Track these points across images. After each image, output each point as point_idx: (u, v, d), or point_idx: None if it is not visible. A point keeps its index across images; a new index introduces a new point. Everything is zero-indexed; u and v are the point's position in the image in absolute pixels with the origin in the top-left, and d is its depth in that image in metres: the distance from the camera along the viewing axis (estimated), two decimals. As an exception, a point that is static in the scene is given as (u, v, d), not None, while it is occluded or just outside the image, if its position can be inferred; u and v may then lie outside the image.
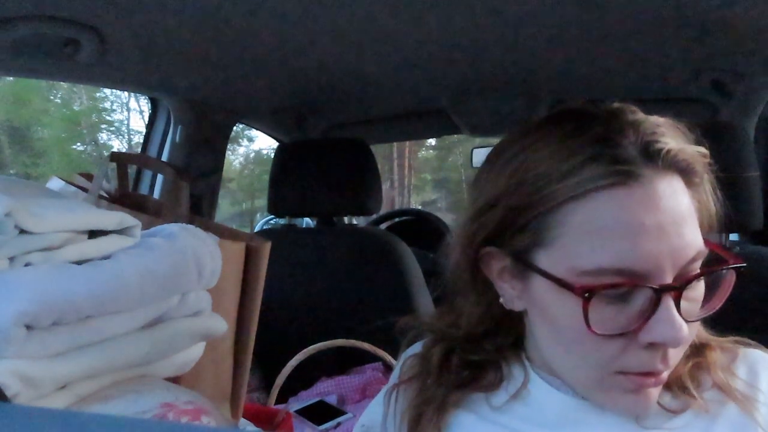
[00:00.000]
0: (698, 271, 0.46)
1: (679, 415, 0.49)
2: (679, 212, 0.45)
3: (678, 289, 0.44)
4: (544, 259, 0.48)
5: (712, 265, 0.47)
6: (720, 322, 0.53)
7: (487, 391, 0.56)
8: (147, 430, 0.23)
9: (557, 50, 1.21)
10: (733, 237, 1.23)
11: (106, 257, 0.51)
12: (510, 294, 0.54)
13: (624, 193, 0.45)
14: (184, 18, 0.97)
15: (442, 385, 0.57)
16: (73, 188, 0.78)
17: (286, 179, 1.44)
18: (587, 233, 0.46)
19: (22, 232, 0.45)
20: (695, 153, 0.47)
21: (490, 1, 0.96)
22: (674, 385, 0.51)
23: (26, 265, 0.46)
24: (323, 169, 1.41)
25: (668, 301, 0.44)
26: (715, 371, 0.51)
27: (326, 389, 1.28)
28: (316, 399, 1.24)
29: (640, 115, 0.48)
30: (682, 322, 0.44)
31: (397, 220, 2.60)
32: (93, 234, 0.51)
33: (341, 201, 1.41)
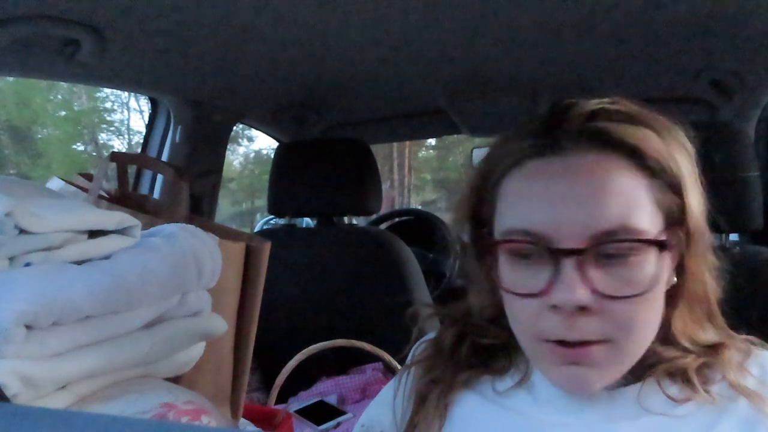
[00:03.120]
0: (617, 246, 0.47)
1: (683, 404, 0.49)
2: (599, 186, 0.47)
3: (579, 253, 0.46)
4: (495, 229, 0.53)
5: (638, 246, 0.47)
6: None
7: (495, 376, 0.57)
8: (147, 430, 0.23)
9: (557, 50, 1.21)
10: (733, 237, 1.22)
11: (106, 257, 0.51)
12: None
13: (540, 162, 0.49)
14: (184, 18, 0.97)
15: (451, 367, 0.58)
16: (73, 188, 0.78)
17: (286, 179, 1.44)
18: (510, 199, 0.51)
19: (22, 232, 0.45)
20: (642, 138, 0.48)
21: (490, 2, 0.96)
22: (681, 378, 0.51)
23: (26, 265, 0.46)
24: (323, 169, 1.41)
25: (568, 264, 0.46)
26: (727, 369, 0.51)
27: (326, 389, 1.28)
28: (316, 399, 1.24)
29: (596, 102, 0.51)
30: (578, 286, 0.45)
31: (397, 220, 2.59)
32: (93, 234, 0.51)
33: (341, 201, 1.41)
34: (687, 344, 0.51)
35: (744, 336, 0.54)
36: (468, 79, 1.43)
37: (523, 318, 0.50)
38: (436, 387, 0.58)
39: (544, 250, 0.47)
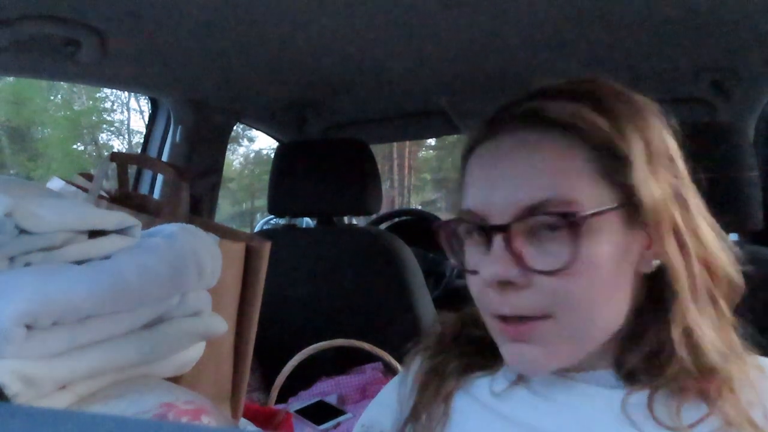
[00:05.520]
0: (542, 219, 0.47)
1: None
2: (524, 162, 0.48)
3: (503, 228, 0.47)
4: None
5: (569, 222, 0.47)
6: None
7: (489, 374, 0.57)
8: (147, 430, 0.23)
9: (557, 50, 1.21)
10: (733, 237, 1.22)
11: (106, 257, 0.51)
12: None
13: (483, 147, 0.52)
14: (184, 18, 0.97)
15: (449, 356, 0.59)
16: (73, 188, 0.78)
17: (286, 179, 1.44)
18: (465, 184, 0.54)
19: (22, 232, 0.45)
20: (577, 113, 0.48)
21: (490, 1, 0.96)
22: (672, 400, 0.47)
23: (26, 265, 0.46)
24: (323, 169, 1.41)
25: (497, 240, 0.48)
26: (728, 402, 0.46)
27: (326, 389, 1.28)
28: (316, 399, 1.24)
29: (542, 83, 0.52)
30: (502, 260, 0.47)
31: (397, 220, 2.59)
32: (93, 234, 0.51)
33: (341, 201, 1.41)
34: (678, 341, 0.48)
35: (754, 357, 0.51)
36: (468, 79, 1.43)
37: (474, 295, 0.52)
38: (435, 376, 0.58)
39: (476, 228, 0.50)
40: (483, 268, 0.48)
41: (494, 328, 0.51)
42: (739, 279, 0.52)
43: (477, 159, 0.52)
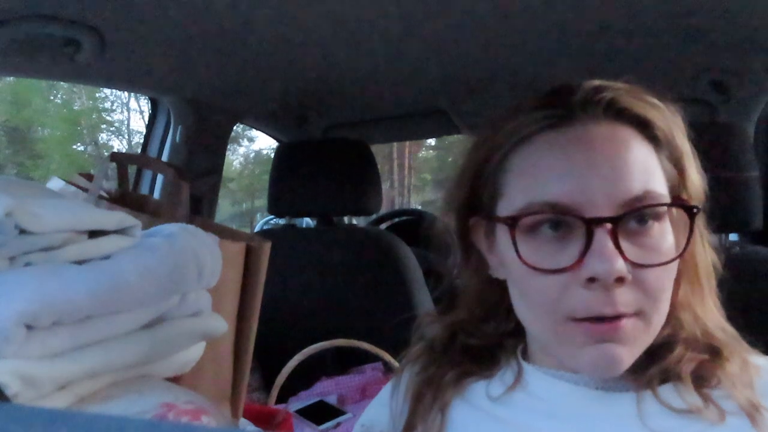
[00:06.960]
0: (646, 212, 0.46)
1: (685, 419, 0.47)
2: (620, 155, 0.47)
3: (611, 221, 0.45)
4: (500, 208, 0.52)
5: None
6: None
7: (485, 378, 0.57)
8: (147, 430, 0.23)
9: (557, 50, 1.21)
10: (733, 237, 1.22)
11: (106, 257, 0.51)
12: (492, 261, 0.56)
13: (557, 134, 0.48)
14: (184, 18, 0.97)
15: (443, 366, 0.58)
16: (73, 188, 0.78)
17: (286, 179, 1.44)
18: (525, 173, 0.49)
19: (22, 232, 0.45)
20: (649, 109, 0.49)
21: (489, 2, 0.96)
22: (680, 385, 0.48)
23: (26, 265, 0.46)
24: (323, 169, 1.41)
25: (601, 234, 0.45)
26: (730, 381, 0.48)
27: (326, 389, 1.28)
28: (316, 399, 1.24)
29: (597, 81, 0.51)
30: (616, 255, 0.44)
31: (397, 220, 2.60)
32: (93, 234, 0.51)
33: (341, 201, 1.41)
34: (689, 322, 0.50)
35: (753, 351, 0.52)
36: (468, 79, 1.43)
37: (546, 297, 0.47)
38: (429, 387, 0.57)
39: (575, 221, 0.46)
40: (591, 264, 0.44)
41: (569, 332, 0.47)
42: (718, 270, 0.54)
43: (547, 147, 0.48)
